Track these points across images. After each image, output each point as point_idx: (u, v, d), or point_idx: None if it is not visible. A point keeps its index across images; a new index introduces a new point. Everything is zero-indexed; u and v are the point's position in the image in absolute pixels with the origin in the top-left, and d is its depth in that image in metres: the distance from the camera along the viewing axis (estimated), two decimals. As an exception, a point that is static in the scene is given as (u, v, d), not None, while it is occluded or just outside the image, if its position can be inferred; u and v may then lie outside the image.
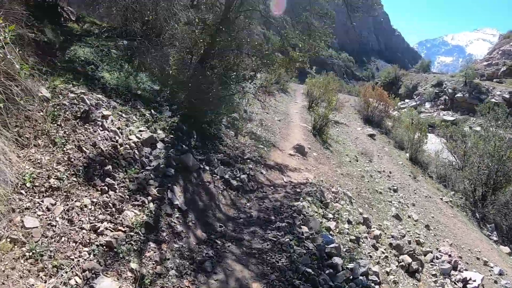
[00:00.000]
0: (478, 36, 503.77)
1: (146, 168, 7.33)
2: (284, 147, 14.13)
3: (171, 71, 11.05)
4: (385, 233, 10.96)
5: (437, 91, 45.68)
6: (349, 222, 9.92)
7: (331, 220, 9.28)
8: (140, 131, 7.95)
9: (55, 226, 5.01)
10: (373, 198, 13.70)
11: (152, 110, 9.19)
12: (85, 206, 5.55)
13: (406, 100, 47.00)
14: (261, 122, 15.33)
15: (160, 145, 8.16)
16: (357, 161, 17.62)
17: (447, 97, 44.08)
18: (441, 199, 18.26)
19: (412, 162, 22.20)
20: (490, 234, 17.30)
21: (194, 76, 10.95)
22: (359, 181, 14.74)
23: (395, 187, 16.28)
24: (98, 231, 5.36)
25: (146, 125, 8.38)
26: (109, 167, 6.49)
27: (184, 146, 8.93)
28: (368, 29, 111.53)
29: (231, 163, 10.07)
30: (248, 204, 9.13)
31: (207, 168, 9.15)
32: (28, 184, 5.17)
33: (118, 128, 7.49)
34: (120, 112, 8.09)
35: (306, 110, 23.17)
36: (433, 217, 15.25)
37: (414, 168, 21.15)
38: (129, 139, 7.46)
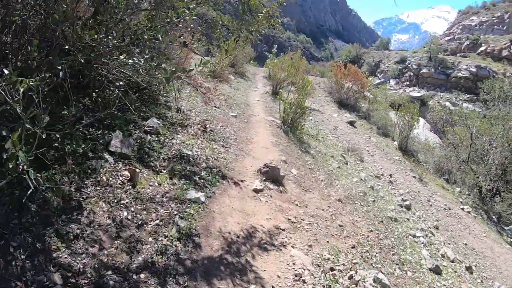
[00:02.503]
0: (433, 13, 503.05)
1: None
2: (244, 173, 7.58)
3: None
4: None
5: (401, 67, 41.91)
6: None
7: None
8: None
9: None
10: (395, 241, 7.70)
11: None
12: None
13: (369, 78, 42.39)
14: (204, 126, 8.62)
15: None
16: (347, 164, 11.59)
17: (412, 73, 40.32)
18: (462, 209, 12.73)
19: (403, 151, 16.48)
20: (511, 239, 12.48)
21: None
22: (365, 207, 8.72)
23: (407, 202, 10.59)
24: None
25: None
26: None
27: None
28: (324, 10, 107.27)
29: None
30: None
31: None
32: None
33: None
34: None
35: (270, 97, 16.54)
36: (466, 244, 9.92)
37: (414, 164, 15.39)
38: None
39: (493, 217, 13.62)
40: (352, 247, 6.22)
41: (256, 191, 6.90)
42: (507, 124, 14.98)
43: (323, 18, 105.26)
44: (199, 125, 8.40)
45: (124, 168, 5.25)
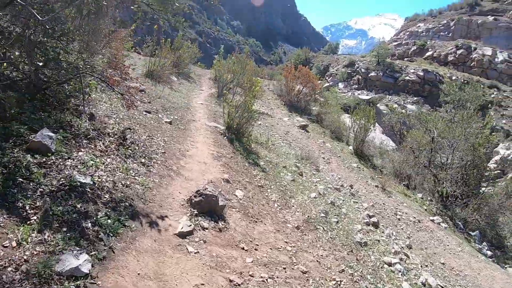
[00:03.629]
0: (380, 20, 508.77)
1: None
2: (168, 205, 5.21)
3: None
4: None
5: (349, 71, 40.90)
6: None
7: None
8: None
9: None
10: (372, 278, 5.93)
11: None
12: None
13: (319, 82, 41.51)
14: (123, 137, 6.22)
15: None
16: (302, 175, 9.80)
17: (360, 77, 39.43)
18: (432, 220, 11.29)
19: (358, 156, 15.02)
20: (480, 246, 11.73)
21: None
22: (329, 232, 6.97)
23: (374, 218, 8.92)
24: None
25: None
26: None
27: None
28: (275, 15, 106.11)
29: None
30: None
31: None
32: None
33: None
34: None
35: (215, 100, 14.50)
36: (443, 263, 8.56)
37: (373, 172, 13.87)
38: None
39: (459, 223, 12.53)
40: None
41: (182, 235, 4.58)
42: (469, 126, 13.76)
43: (273, 23, 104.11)
44: (117, 136, 6.17)
45: None
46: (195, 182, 6.18)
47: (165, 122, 8.85)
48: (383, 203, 10.51)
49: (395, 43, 48.50)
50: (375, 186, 11.82)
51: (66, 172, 4.40)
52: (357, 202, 9.69)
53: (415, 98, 34.76)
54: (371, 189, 11.36)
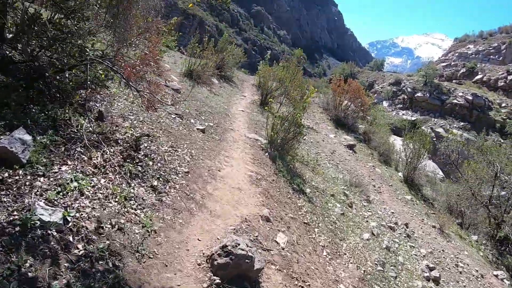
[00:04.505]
0: (427, 40, 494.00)
1: None
2: (178, 263, 3.28)
3: None
4: None
5: (395, 89, 38.74)
6: None
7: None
8: None
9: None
10: None
11: None
12: None
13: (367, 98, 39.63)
14: (136, 147, 4.45)
15: None
16: (351, 206, 8.01)
17: (406, 96, 37.45)
18: (496, 276, 9.14)
19: (408, 185, 13.02)
20: None
21: None
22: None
23: (435, 272, 7.18)
24: None
25: None
26: None
27: None
28: (321, 27, 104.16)
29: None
30: None
31: None
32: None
33: None
34: None
35: (257, 107, 12.67)
36: None
37: (427, 206, 11.82)
38: None
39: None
40: None
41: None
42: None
43: (319, 35, 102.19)
44: (127, 145, 4.50)
45: None
46: (223, 220, 4.39)
47: (197, 129, 7.18)
48: (442, 250, 8.57)
49: (443, 64, 45.90)
50: (432, 226, 9.82)
51: (26, 201, 2.76)
52: (413, 247, 7.84)
53: (462, 124, 32.30)
54: (428, 230, 9.40)
